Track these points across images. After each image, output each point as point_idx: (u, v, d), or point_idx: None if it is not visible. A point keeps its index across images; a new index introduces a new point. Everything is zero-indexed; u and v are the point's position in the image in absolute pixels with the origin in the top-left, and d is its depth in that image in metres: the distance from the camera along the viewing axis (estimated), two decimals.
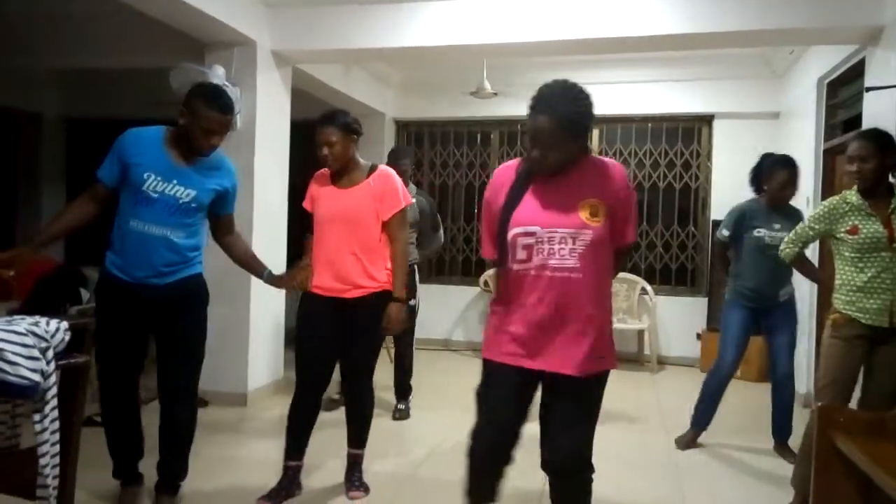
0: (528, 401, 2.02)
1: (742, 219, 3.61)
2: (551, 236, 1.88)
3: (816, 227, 2.84)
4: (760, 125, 5.86)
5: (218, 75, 4.10)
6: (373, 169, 2.92)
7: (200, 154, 2.54)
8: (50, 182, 7.03)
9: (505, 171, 2.04)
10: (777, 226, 3.52)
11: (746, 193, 3.93)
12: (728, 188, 5.85)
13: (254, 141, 4.31)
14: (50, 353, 1.93)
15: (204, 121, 2.46)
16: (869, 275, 2.66)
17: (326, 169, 2.90)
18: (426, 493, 3.02)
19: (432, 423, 4.07)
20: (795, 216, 3.60)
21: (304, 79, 5.00)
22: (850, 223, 2.70)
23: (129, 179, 2.47)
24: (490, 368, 2.04)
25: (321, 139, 2.79)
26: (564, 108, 1.84)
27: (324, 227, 2.86)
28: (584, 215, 1.88)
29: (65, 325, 2.01)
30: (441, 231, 4.45)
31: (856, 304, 2.70)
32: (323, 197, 2.88)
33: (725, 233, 3.68)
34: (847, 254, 2.73)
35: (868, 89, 3.60)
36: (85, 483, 2.69)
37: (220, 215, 2.72)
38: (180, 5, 3.66)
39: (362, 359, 2.93)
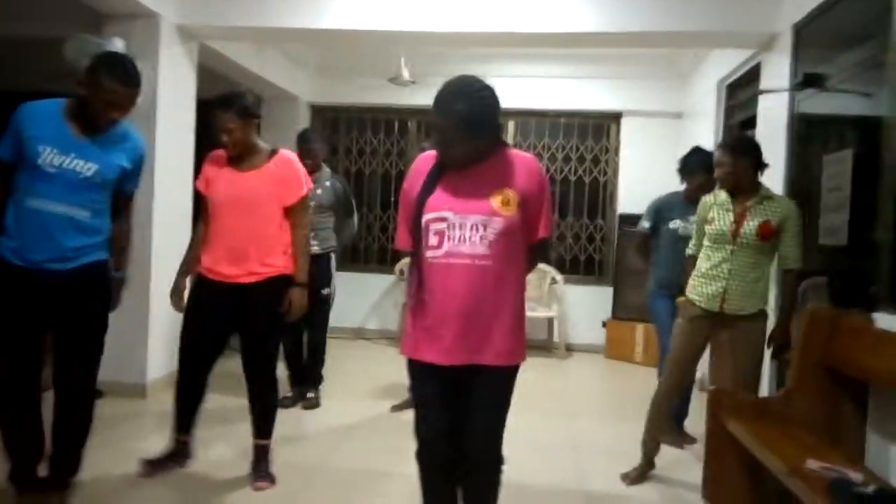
0: (454, 391, 1.98)
1: (660, 211, 3.79)
2: (462, 222, 1.89)
3: (698, 220, 3.12)
4: (665, 123, 6.13)
5: (117, 48, 3.86)
6: (273, 153, 2.86)
7: (99, 128, 2.38)
8: None
9: (425, 160, 2.04)
10: (692, 218, 3.67)
11: (652, 187, 4.07)
12: (635, 183, 6.11)
13: (154, 120, 4.08)
14: None
15: (106, 93, 2.31)
16: (712, 263, 2.95)
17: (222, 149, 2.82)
18: (336, 483, 2.99)
19: (342, 413, 4.02)
20: None
21: (213, 56, 4.79)
22: (711, 215, 3.00)
23: (25, 154, 2.30)
24: (412, 367, 2.03)
25: (219, 125, 2.72)
26: (462, 105, 1.85)
27: (221, 211, 2.79)
28: (495, 203, 1.89)
29: None
30: (355, 217, 4.37)
31: (697, 288, 3.00)
32: (221, 180, 2.81)
33: (646, 224, 3.84)
34: (705, 243, 3.02)
35: (761, 91, 3.82)
36: None
37: (118, 192, 2.53)
38: None
39: (260, 346, 2.87)
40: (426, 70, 5.78)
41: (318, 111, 6.73)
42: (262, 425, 2.92)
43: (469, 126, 1.86)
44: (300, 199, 2.84)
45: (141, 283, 4.03)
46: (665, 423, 3.20)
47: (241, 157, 2.80)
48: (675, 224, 3.70)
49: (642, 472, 3.16)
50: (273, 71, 5.70)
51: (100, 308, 2.50)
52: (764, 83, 3.96)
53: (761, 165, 2.97)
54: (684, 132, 5.93)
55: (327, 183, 4.04)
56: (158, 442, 3.16)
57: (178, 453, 2.96)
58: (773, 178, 3.68)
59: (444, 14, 4.12)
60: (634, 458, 3.19)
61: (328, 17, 4.20)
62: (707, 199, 3.08)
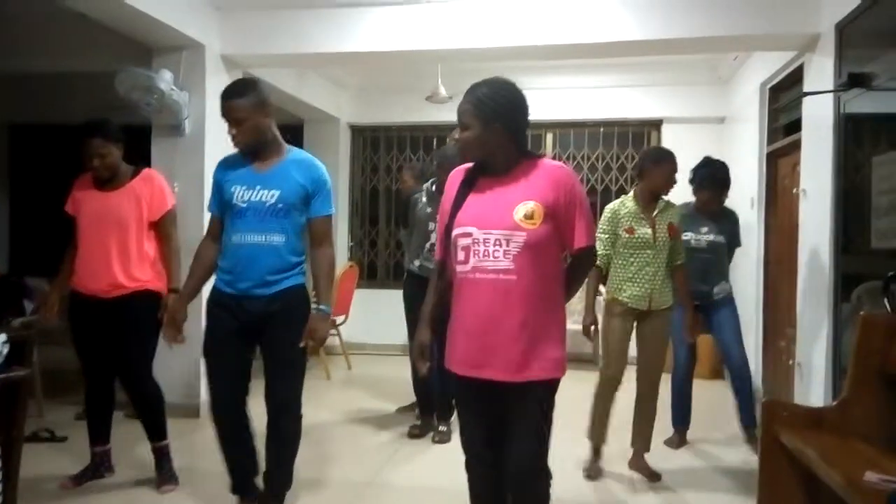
0: (491, 404, 1.99)
1: None
2: (486, 238, 1.90)
3: (605, 227, 3.32)
4: (707, 129, 6.02)
5: (165, 80, 4.03)
6: (137, 171, 3.05)
7: (259, 152, 2.55)
8: None
9: (456, 174, 2.06)
10: (704, 229, 3.71)
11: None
12: (676, 191, 5.97)
13: (203, 147, 4.23)
14: None
15: (225, 114, 2.49)
16: (635, 268, 3.24)
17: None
18: (386, 498, 3.01)
19: (398, 427, 4.05)
20: (726, 218, 3.73)
21: None
22: (627, 224, 3.25)
23: (224, 198, 2.57)
24: (453, 378, 2.04)
25: (91, 150, 2.90)
26: (481, 90, 1.97)
27: (87, 230, 2.97)
28: (518, 217, 1.88)
29: (2, 337, 1.94)
30: None
31: (624, 290, 3.29)
32: (86, 200, 3.01)
33: None
34: (621, 249, 3.28)
35: (805, 94, 3.74)
36: (30, 500, 2.62)
37: (309, 219, 2.62)
38: (127, 9, 3.59)
39: (133, 357, 3.00)
40: (463, 86, 5.79)
41: (358, 131, 6.85)
42: (153, 429, 3.07)
43: (481, 107, 1.92)
44: (165, 213, 3.05)
45: (195, 301, 4.15)
46: (606, 414, 3.30)
47: (109, 178, 2.98)
48: (686, 236, 3.63)
49: (594, 466, 3.31)
50: (314, 94, 5.84)
51: (297, 329, 2.55)
52: (808, 85, 3.88)
53: None
54: (726, 137, 5.83)
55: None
56: (215, 460, 3.23)
57: (94, 467, 3.09)
58: (820, 182, 3.60)
59: (479, 30, 4.15)
60: (693, 470, 3.13)
61: (364, 40, 4.29)
62: (615, 209, 3.30)
